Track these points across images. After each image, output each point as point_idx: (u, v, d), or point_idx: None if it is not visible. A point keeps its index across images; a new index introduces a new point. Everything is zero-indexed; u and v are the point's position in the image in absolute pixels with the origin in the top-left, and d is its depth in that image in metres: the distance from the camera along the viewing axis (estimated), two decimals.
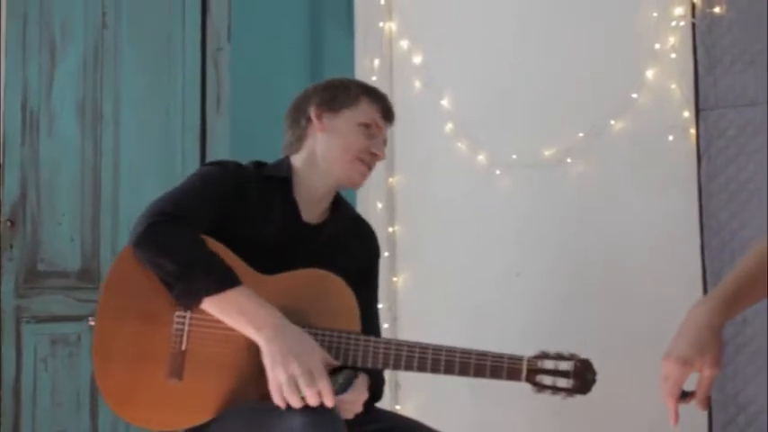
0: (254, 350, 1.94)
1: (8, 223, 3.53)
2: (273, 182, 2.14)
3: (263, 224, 2.07)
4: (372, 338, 2.01)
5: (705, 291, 2.71)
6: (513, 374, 2.00)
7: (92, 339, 1.97)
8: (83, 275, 3.60)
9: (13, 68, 3.59)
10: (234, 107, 3.84)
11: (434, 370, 1.99)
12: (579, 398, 2.86)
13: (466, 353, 2.00)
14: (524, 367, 2.00)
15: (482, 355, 2.00)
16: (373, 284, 2.31)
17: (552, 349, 2.01)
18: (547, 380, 2.01)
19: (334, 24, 4.22)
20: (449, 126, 3.14)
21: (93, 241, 3.62)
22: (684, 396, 1.68)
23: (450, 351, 1.99)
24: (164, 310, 1.95)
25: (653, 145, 2.86)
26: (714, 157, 2.72)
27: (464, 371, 1.99)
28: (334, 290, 2.04)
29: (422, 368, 1.99)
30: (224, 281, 1.89)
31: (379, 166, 3.20)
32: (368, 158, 2.20)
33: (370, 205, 3.15)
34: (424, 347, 2.00)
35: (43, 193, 3.58)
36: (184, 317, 1.95)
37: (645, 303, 2.83)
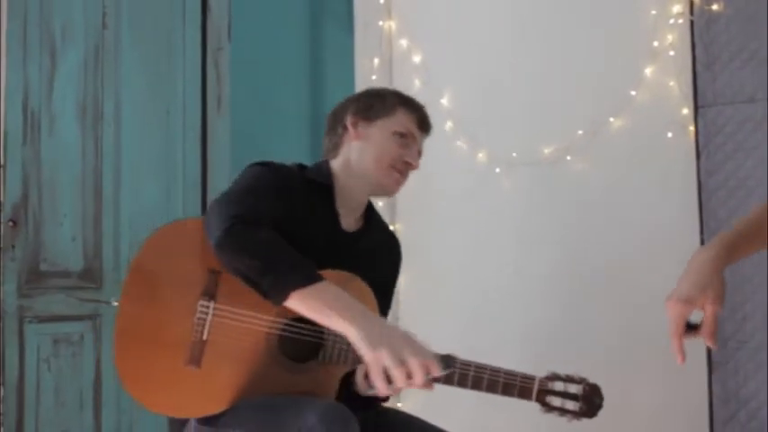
0: (272, 345, 1.97)
1: (10, 223, 3.54)
2: (316, 186, 2.16)
3: (308, 226, 2.08)
4: None
5: None
6: (524, 393, 2.05)
7: (115, 319, 1.96)
8: (85, 275, 3.61)
9: (13, 69, 3.59)
10: (234, 107, 3.85)
11: (447, 382, 2.02)
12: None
13: (481, 368, 2.04)
14: (535, 387, 2.05)
15: (495, 371, 2.04)
16: (390, 295, 2.33)
17: (559, 370, 2.05)
18: (555, 401, 2.06)
19: (333, 24, 4.23)
20: (448, 124, 3.15)
21: (94, 241, 3.62)
22: (690, 329, 1.69)
23: (466, 365, 2.03)
24: (188, 297, 1.96)
25: (652, 142, 2.87)
26: (713, 154, 2.73)
27: (477, 385, 2.03)
28: (359, 294, 2.03)
29: (435, 379, 1.98)
30: (310, 276, 1.88)
31: None
32: (401, 167, 2.22)
33: None
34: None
35: (45, 194, 3.58)
36: (208, 306, 1.96)
37: (644, 300, 2.83)
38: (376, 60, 3.29)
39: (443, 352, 2.01)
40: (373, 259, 2.20)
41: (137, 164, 3.68)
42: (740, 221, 1.76)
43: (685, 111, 2.81)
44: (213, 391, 1.96)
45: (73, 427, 3.55)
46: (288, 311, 1.96)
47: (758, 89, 2.67)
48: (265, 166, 2.14)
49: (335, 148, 2.26)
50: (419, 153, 2.27)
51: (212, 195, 3.80)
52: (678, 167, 2.82)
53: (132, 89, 3.71)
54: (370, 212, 2.29)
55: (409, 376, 1.78)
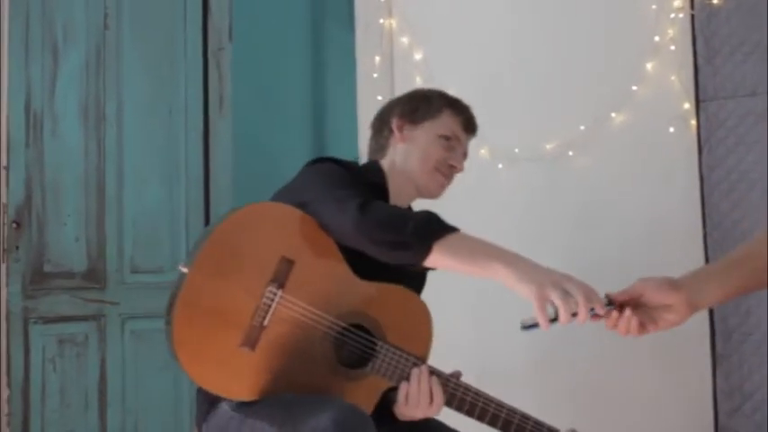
0: (326, 346, 1.97)
1: (14, 225, 3.54)
2: (372, 185, 2.17)
3: None
4: (444, 374, 2.05)
5: None
6: None
7: (181, 285, 1.92)
8: (89, 276, 3.62)
9: (16, 70, 3.60)
10: (236, 106, 3.86)
11: (480, 418, 2.06)
12: (586, 390, 2.89)
13: (512, 411, 2.07)
14: None
15: (525, 418, 2.07)
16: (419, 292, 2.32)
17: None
18: None
19: (334, 22, 4.24)
20: None
21: (98, 241, 3.63)
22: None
23: (500, 406, 2.06)
24: (258, 280, 1.94)
25: (653, 137, 2.87)
26: (715, 148, 2.73)
27: (506, 428, 2.06)
28: (415, 312, 2.07)
29: (470, 413, 2.06)
30: (447, 227, 1.90)
31: None
32: (446, 170, 2.23)
33: None
34: (477, 394, 2.06)
35: (48, 195, 3.59)
36: (275, 293, 1.94)
37: None
38: (377, 59, 3.29)
39: (449, 370, 2.05)
40: None
41: (139, 164, 3.69)
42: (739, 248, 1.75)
43: (687, 105, 2.81)
44: (261, 377, 1.95)
45: (78, 427, 3.56)
46: (348, 315, 1.99)
47: (759, 82, 2.68)
48: (331, 161, 2.15)
49: (382, 150, 2.28)
50: (465, 155, 2.29)
51: (215, 195, 3.81)
52: (680, 162, 2.82)
53: (134, 90, 3.72)
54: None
55: (573, 312, 1.71)
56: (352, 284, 2.01)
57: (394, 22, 3.31)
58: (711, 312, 2.71)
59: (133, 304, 3.65)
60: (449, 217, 3.16)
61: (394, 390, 2.04)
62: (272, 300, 1.95)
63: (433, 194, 2.26)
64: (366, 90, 3.31)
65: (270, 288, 1.95)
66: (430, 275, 2.33)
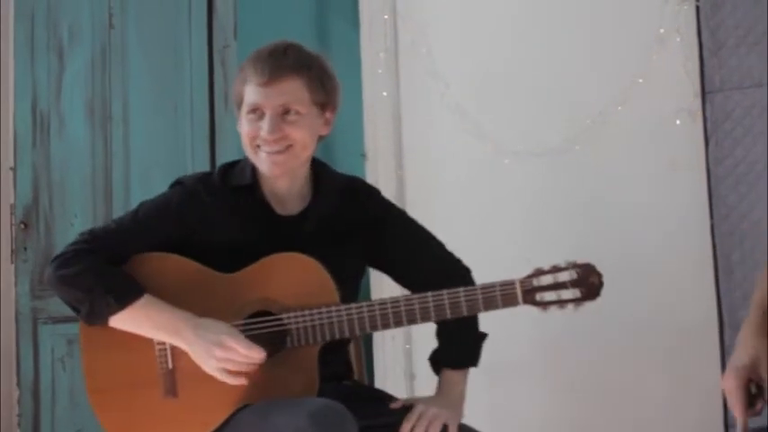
0: None
1: (22, 225, 3.56)
2: (237, 189, 2.07)
3: (237, 231, 2.03)
4: (353, 305, 1.96)
5: (716, 274, 2.71)
6: (508, 301, 1.94)
7: (84, 378, 2.01)
8: None
9: (22, 71, 3.61)
10: None
11: (424, 318, 1.95)
12: (591, 384, 2.88)
13: (454, 293, 1.94)
14: (518, 290, 1.94)
15: (471, 290, 1.95)
16: (401, 222, 2.20)
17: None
18: (549, 296, 1.93)
19: (339, 18, 4.23)
20: (456, 116, 3.14)
21: None
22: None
23: (438, 295, 1.94)
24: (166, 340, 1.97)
25: (660, 129, 2.86)
26: (721, 140, 2.72)
27: (456, 310, 1.94)
28: (299, 267, 1.98)
29: (411, 320, 1.95)
30: (124, 296, 1.92)
31: (388, 157, 3.25)
32: (263, 143, 2.01)
33: None
34: (408, 299, 1.96)
35: (55, 195, 3.60)
36: None
37: (655, 288, 2.83)
38: (382, 54, 3.29)
39: None
40: (330, 229, 2.08)
41: (146, 163, 3.69)
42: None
43: (693, 97, 2.80)
44: (200, 413, 1.94)
45: (88, 426, 3.56)
46: (243, 311, 1.97)
47: (765, 73, 2.66)
48: (175, 185, 2.14)
49: None
50: (277, 112, 1.99)
51: None
52: (687, 154, 2.81)
53: (140, 88, 3.72)
54: (319, 180, 2.12)
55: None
56: (226, 283, 1.99)
57: (398, 18, 3.30)
58: (719, 304, 2.70)
59: None
60: (455, 211, 3.16)
61: None
62: (165, 342, 1.96)
63: (272, 174, 2.03)
64: (371, 86, 3.31)
65: None
66: None
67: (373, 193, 2.22)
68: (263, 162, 2.02)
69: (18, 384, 3.60)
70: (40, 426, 3.56)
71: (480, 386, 2.99)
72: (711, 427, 2.68)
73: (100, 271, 1.95)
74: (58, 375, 3.56)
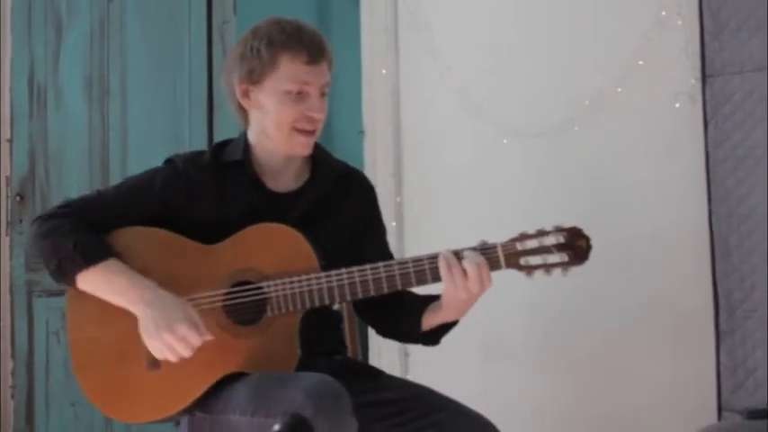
0: (221, 319, 1.96)
1: (17, 198, 3.55)
2: (231, 165, 2.08)
3: (226, 206, 2.04)
4: (333, 272, 1.95)
5: (713, 258, 2.71)
6: (491, 265, 1.89)
7: (69, 353, 2.04)
8: None
9: (19, 43, 3.60)
10: None
11: (405, 284, 1.92)
12: (589, 365, 2.90)
13: (432, 258, 1.91)
14: (500, 254, 1.89)
15: (449, 255, 1.89)
16: (380, 230, 2.23)
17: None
18: (534, 260, 1.88)
19: None
20: (455, 95, 3.14)
21: None
22: None
23: (418, 260, 1.92)
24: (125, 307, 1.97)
25: (659, 112, 2.86)
26: (721, 124, 2.72)
27: (437, 275, 1.90)
28: (278, 236, 1.98)
29: (392, 285, 1.92)
30: (90, 255, 1.94)
31: (386, 135, 3.25)
32: (306, 124, 2.02)
33: (377, 176, 3.15)
34: (388, 265, 1.93)
35: (52, 167, 3.60)
36: None
37: (652, 271, 2.84)
38: (382, 34, 3.28)
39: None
40: (322, 211, 2.09)
41: (143, 136, 3.69)
42: None
43: (693, 80, 2.79)
44: (182, 383, 1.95)
45: (82, 399, 3.56)
46: (224, 281, 1.97)
47: (766, 58, 2.66)
48: (166, 162, 2.14)
49: (244, 119, 2.11)
50: (323, 90, 2.04)
51: None
52: (686, 137, 2.81)
53: (138, 62, 3.71)
54: (317, 163, 2.14)
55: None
56: (208, 253, 2.00)
57: None
58: (715, 288, 2.70)
59: None
60: (454, 192, 3.16)
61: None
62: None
63: (302, 154, 2.07)
64: (370, 63, 3.30)
65: None
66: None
67: (366, 184, 2.25)
68: (297, 144, 2.04)
69: (12, 357, 3.60)
70: (33, 398, 3.56)
71: (476, 369, 3.01)
72: (705, 409, 2.69)
73: (72, 229, 1.98)
74: (52, 348, 3.57)
